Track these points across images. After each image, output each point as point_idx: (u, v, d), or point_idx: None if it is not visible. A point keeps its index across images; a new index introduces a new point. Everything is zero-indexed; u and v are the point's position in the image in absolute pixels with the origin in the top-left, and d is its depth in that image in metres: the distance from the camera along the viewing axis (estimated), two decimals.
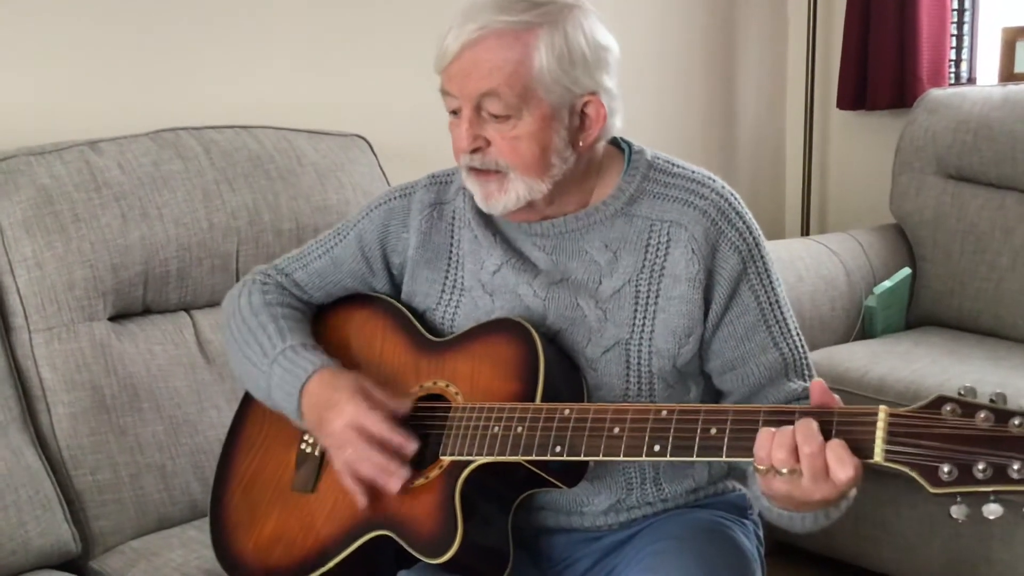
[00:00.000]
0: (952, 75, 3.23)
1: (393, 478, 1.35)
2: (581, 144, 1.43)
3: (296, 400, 1.45)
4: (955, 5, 3.21)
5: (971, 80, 3.28)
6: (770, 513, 1.31)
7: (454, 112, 1.42)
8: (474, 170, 1.43)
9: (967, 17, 3.26)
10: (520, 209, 1.44)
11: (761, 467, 1.17)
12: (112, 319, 1.91)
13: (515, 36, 1.36)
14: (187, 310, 2.02)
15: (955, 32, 3.24)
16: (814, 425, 1.14)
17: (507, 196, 1.42)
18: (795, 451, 1.14)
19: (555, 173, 1.42)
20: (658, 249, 1.44)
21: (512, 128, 1.39)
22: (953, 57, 3.24)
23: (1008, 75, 3.08)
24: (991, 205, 2.82)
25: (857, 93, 3.26)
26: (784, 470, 1.15)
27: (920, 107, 2.97)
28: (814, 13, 3.34)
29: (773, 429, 1.16)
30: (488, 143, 1.41)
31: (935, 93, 2.97)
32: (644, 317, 1.44)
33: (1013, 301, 2.74)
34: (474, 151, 1.41)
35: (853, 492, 1.21)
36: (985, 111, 2.81)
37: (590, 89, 1.41)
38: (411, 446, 1.36)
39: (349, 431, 1.37)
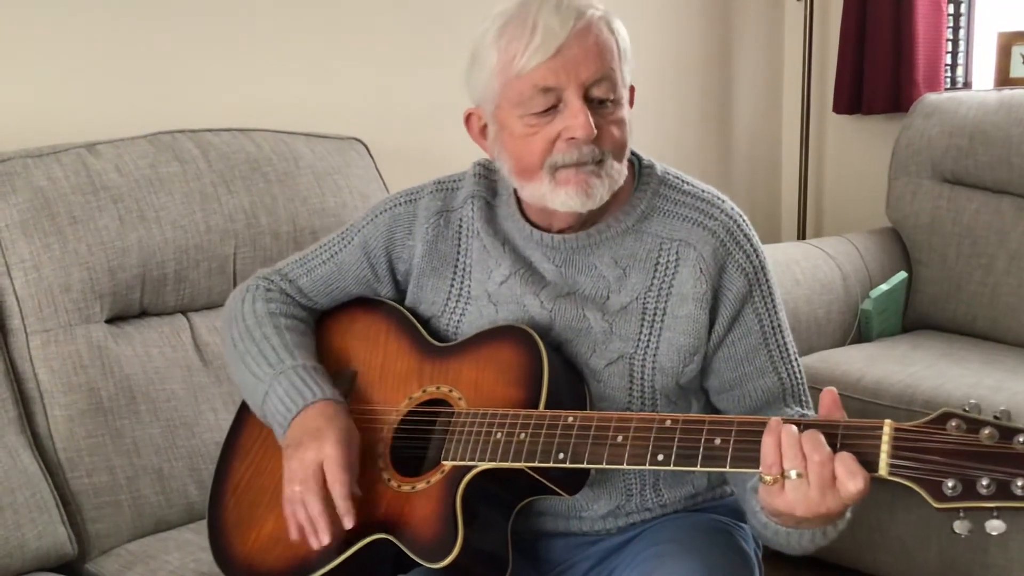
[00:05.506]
0: (948, 79, 3.24)
1: (317, 539, 1.34)
2: None
3: (290, 417, 1.44)
4: (951, 10, 3.21)
5: (967, 84, 3.29)
6: (766, 530, 1.30)
7: (545, 111, 1.37)
8: (574, 166, 1.38)
9: (963, 22, 3.27)
10: (579, 214, 1.42)
11: (768, 477, 1.16)
12: (109, 321, 1.90)
13: (605, 22, 1.39)
14: (184, 312, 2.01)
15: (951, 37, 3.24)
16: (821, 436, 1.14)
17: (603, 184, 1.39)
18: (803, 455, 1.14)
19: (626, 160, 1.43)
20: (667, 268, 1.45)
21: (614, 111, 1.40)
22: (949, 62, 3.24)
23: (1004, 80, 3.09)
24: (987, 209, 2.83)
25: (853, 97, 3.26)
26: (794, 473, 1.14)
27: (916, 111, 2.97)
28: (810, 18, 3.34)
29: (774, 437, 1.16)
30: (596, 132, 1.37)
31: (931, 97, 2.98)
32: (650, 334, 1.44)
33: (1008, 305, 2.74)
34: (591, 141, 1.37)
35: (848, 514, 1.21)
36: (981, 115, 2.81)
37: (630, 80, 1.45)
38: (349, 522, 1.34)
39: (314, 469, 1.35)
